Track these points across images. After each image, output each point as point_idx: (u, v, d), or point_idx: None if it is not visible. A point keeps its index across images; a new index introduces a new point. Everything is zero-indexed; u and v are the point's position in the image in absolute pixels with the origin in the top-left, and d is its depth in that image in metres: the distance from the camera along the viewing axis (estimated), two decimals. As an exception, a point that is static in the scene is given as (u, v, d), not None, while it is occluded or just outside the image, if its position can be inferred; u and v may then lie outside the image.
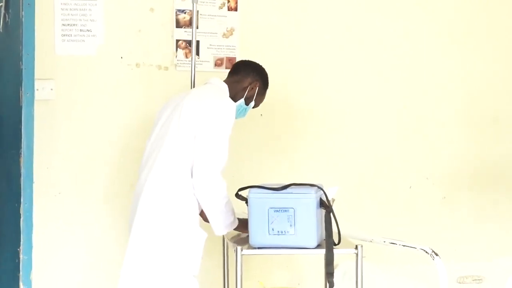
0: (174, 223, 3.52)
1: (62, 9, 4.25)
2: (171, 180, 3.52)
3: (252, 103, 3.82)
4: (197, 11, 4.32)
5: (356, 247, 3.41)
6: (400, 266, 4.52)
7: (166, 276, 3.51)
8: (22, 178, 3.68)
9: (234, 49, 4.55)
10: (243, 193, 3.58)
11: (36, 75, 3.78)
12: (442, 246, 3.92)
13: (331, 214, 3.43)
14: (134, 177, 3.73)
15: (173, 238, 3.51)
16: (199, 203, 3.53)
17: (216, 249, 4.15)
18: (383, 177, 4.83)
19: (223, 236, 3.82)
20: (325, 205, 3.44)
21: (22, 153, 3.67)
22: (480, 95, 5.00)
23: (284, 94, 4.59)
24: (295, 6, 4.67)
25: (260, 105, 3.89)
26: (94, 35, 4.30)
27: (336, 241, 3.42)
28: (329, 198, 3.50)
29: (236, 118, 3.65)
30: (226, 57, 4.55)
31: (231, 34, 4.55)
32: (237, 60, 4.32)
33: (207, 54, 4.52)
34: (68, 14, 4.25)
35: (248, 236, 3.46)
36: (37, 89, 4.01)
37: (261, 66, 3.88)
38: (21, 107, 3.68)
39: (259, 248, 3.44)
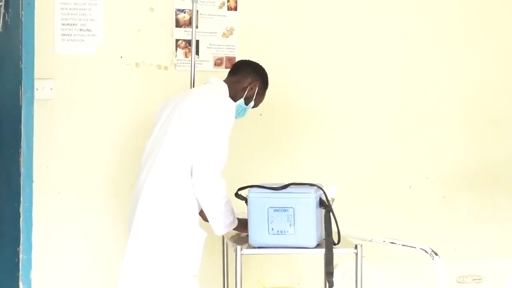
0: (173, 223, 3.51)
1: (61, 9, 4.25)
2: (170, 179, 3.52)
3: (252, 103, 3.82)
4: (197, 11, 4.32)
5: (356, 247, 3.41)
6: (399, 265, 4.52)
7: (166, 276, 3.51)
8: (21, 177, 3.67)
9: (233, 48, 4.55)
10: (243, 192, 3.58)
11: (36, 75, 3.78)
12: (442, 246, 3.92)
13: (331, 213, 3.42)
14: (134, 177, 3.73)
15: (173, 238, 3.51)
16: (198, 203, 3.54)
17: (216, 248, 4.14)
18: (383, 177, 4.83)
19: (223, 235, 3.81)
20: (325, 205, 3.44)
21: (21, 152, 3.67)
22: (480, 95, 5.00)
23: (284, 94, 4.59)
24: (295, 6, 4.67)
25: (260, 105, 3.89)
26: (93, 35, 4.30)
27: (336, 241, 3.41)
28: (329, 198, 3.49)
29: (235, 118, 3.65)
30: (226, 57, 4.54)
31: (231, 33, 4.55)
32: (237, 59, 4.31)
33: (207, 54, 4.51)
34: (68, 14, 4.25)
35: (247, 235, 3.46)
36: (37, 89, 4.01)
37: (261, 66, 3.88)
38: (20, 107, 3.67)
39: (258, 247, 3.43)
